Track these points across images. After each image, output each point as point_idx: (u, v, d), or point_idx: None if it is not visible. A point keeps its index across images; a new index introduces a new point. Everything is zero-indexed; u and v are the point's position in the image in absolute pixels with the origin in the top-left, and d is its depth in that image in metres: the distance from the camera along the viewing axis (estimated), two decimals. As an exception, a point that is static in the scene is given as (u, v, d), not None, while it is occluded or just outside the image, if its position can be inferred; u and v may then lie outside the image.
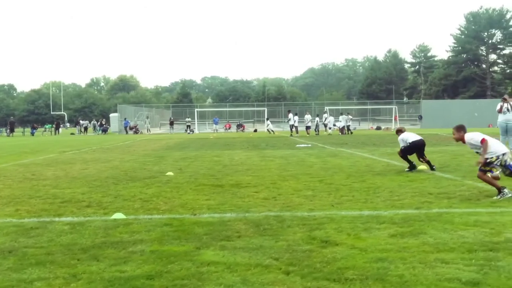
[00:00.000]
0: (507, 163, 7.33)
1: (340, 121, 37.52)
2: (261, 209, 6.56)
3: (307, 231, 5.18)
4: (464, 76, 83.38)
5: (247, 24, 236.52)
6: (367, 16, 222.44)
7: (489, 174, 7.54)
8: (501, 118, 15.69)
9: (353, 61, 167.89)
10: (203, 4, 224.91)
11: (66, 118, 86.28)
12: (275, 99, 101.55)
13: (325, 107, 57.97)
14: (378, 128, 51.86)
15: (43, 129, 55.80)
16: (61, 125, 55.97)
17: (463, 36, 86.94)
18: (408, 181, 9.16)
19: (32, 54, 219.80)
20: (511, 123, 15.48)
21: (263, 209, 6.52)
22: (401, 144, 11.10)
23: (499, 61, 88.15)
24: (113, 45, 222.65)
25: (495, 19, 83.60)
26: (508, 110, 15.46)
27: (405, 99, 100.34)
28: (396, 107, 59.92)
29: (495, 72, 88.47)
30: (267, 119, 47.86)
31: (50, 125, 54.70)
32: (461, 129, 7.82)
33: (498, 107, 15.88)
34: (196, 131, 54.34)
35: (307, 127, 35.36)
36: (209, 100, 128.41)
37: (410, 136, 11.27)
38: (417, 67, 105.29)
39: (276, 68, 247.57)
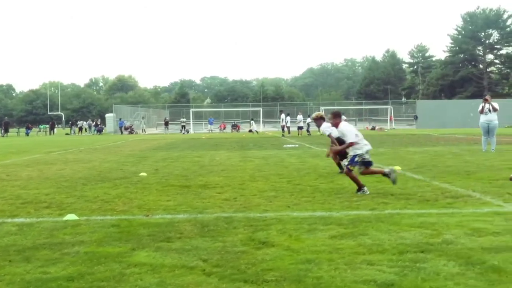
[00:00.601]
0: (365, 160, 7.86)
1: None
2: (216, 210, 6.57)
3: (250, 233, 5.19)
4: (461, 76, 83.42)
5: (247, 24, 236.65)
6: (367, 16, 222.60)
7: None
8: (482, 118, 15.76)
9: (352, 61, 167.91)
10: (203, 4, 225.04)
11: (63, 118, 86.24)
12: (272, 99, 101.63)
13: (320, 108, 58.09)
14: (373, 129, 51.83)
15: (37, 129, 55.78)
16: (57, 125, 55.79)
17: (460, 36, 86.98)
18: (376, 181, 9.13)
19: (31, 54, 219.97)
20: (492, 123, 15.54)
21: (218, 210, 6.53)
22: (326, 132, 10.69)
23: (496, 61, 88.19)
24: (112, 46, 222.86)
25: (492, 19, 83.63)
26: (489, 110, 15.53)
27: (403, 99, 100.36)
28: (392, 107, 59.98)
29: (492, 72, 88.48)
30: (252, 119, 48.68)
31: (44, 125, 54.73)
32: (337, 115, 8.33)
33: (480, 107, 15.93)
34: (191, 131, 54.39)
35: (299, 128, 35.36)
36: (208, 100, 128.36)
37: (334, 130, 10.99)
38: (415, 67, 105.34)
39: (275, 68, 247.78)
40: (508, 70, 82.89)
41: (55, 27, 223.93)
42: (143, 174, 10.89)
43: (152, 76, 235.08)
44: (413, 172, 10.41)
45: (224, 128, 55.21)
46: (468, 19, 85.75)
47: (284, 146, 22.06)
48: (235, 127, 54.31)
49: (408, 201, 7.03)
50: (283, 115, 36.15)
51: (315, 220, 5.75)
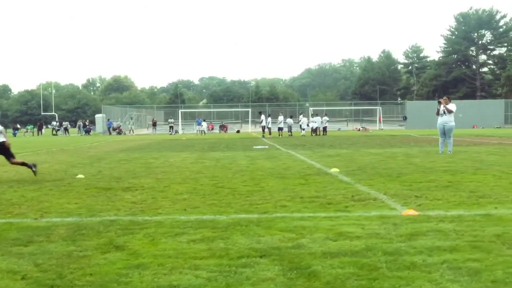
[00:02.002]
0: None
1: (315, 122, 37.54)
2: (110, 213, 6.57)
3: (115, 236, 5.20)
4: (454, 77, 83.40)
5: (246, 25, 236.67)
6: (365, 17, 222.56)
7: None
8: (439, 120, 15.82)
9: (350, 61, 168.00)
10: (202, 4, 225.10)
11: (56, 119, 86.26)
12: (267, 99, 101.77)
13: (310, 108, 58.10)
14: (358, 129, 51.91)
15: (24, 129, 55.84)
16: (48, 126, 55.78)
17: (453, 37, 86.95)
18: (300, 184, 9.14)
19: (29, 55, 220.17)
20: (448, 125, 15.57)
21: (111, 214, 6.53)
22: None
23: (489, 61, 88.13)
24: (111, 46, 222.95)
25: (484, 20, 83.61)
26: (444, 112, 15.55)
27: (398, 99, 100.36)
28: (381, 107, 59.98)
29: (485, 73, 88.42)
30: (204, 120, 50.40)
31: (31, 126, 54.84)
32: None
33: (436, 110, 15.97)
34: (180, 131, 54.44)
35: (279, 128, 35.39)
36: (204, 101, 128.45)
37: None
38: (410, 67, 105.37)
39: (274, 68, 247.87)
40: (501, 70, 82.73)
41: (54, 27, 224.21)
42: (80, 176, 10.91)
43: (151, 76, 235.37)
44: (346, 174, 10.41)
45: (212, 129, 55.21)
46: (461, 20, 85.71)
47: (254, 147, 22.08)
48: (223, 127, 54.32)
49: (310, 204, 7.03)
50: (263, 116, 36.21)
51: (193, 224, 5.76)
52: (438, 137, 16.03)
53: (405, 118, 58.24)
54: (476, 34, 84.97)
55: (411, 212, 6.22)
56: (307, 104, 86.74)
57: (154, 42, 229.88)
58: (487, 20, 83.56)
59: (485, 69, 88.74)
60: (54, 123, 56.67)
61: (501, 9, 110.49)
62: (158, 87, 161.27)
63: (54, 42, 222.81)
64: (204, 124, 49.18)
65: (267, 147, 22.01)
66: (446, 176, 9.89)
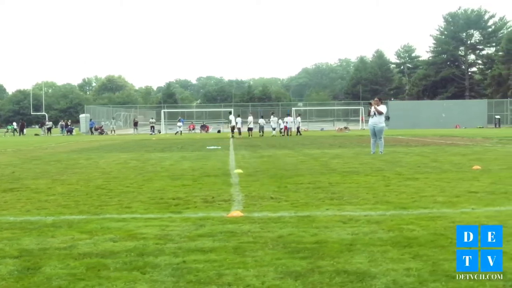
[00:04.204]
0: None
1: (286, 122, 37.68)
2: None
3: None
4: (443, 77, 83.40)
5: (246, 25, 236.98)
6: (362, 17, 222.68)
7: None
8: (370, 121, 15.97)
9: (346, 61, 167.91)
10: (202, 4, 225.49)
11: (47, 119, 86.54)
12: (259, 99, 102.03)
13: (292, 108, 58.21)
14: (343, 129, 52.03)
15: (5, 129, 56.04)
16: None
17: (442, 37, 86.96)
18: (183, 185, 9.23)
19: (26, 55, 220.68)
20: (378, 126, 15.72)
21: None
22: None
23: (478, 61, 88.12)
24: (110, 46, 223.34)
25: (473, 20, 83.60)
26: (375, 114, 15.69)
27: (392, 99, 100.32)
28: (363, 107, 60.06)
29: (474, 72, 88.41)
30: (179, 119, 50.68)
31: (12, 126, 55.16)
32: None
33: (368, 111, 16.10)
34: (163, 131, 54.62)
35: (249, 129, 35.51)
36: (198, 101, 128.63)
37: None
38: (402, 67, 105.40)
39: (272, 68, 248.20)
40: (490, 70, 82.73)
41: (53, 27, 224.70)
42: (-12, 177, 11.07)
43: (150, 76, 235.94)
44: (245, 176, 10.50)
45: (193, 129, 55.36)
46: (450, 20, 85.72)
47: (207, 147, 22.23)
48: (204, 127, 54.49)
49: (154, 205, 7.13)
50: (231, 116, 36.32)
51: (12, 225, 5.87)
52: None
53: (388, 119, 58.26)
54: (464, 34, 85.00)
55: (236, 213, 6.35)
56: (300, 104, 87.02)
57: (153, 41, 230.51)
58: (476, 20, 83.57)
59: (474, 69, 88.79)
60: (14, 123, 57.01)
61: (490, 9, 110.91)
62: (156, 87, 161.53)
63: (52, 42, 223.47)
64: (179, 125, 49.51)
65: (219, 147, 22.12)
66: (337, 177, 10.02)
